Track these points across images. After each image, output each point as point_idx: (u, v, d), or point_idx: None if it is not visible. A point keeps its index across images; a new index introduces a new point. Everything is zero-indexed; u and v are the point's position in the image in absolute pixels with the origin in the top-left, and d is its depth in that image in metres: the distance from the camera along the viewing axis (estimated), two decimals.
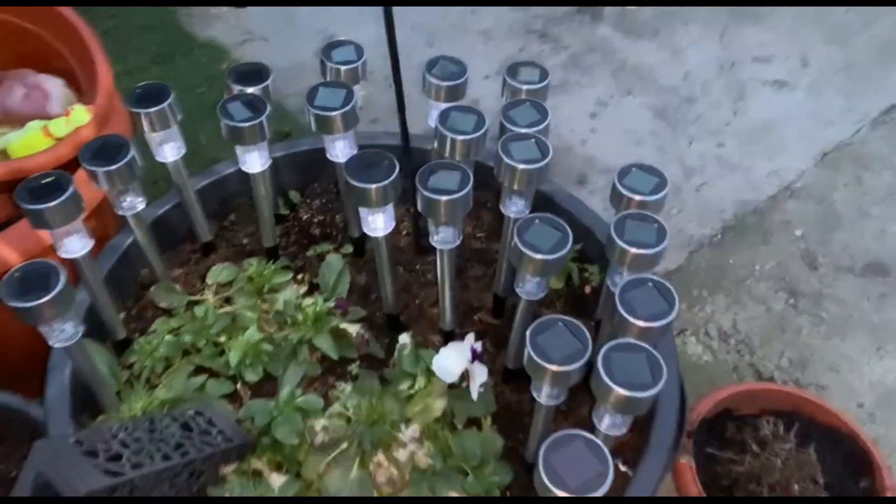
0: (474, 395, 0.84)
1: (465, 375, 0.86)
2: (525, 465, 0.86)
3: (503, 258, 0.91)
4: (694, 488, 0.93)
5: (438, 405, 0.82)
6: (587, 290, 0.99)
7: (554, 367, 0.64)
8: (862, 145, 1.65)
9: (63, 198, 0.74)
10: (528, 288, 0.77)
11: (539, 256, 0.71)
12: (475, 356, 0.85)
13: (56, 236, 0.78)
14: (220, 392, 0.88)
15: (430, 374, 0.86)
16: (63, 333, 0.75)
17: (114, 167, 0.80)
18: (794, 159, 1.62)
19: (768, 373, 1.28)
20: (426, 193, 0.73)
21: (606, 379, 0.62)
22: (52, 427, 0.81)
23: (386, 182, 0.75)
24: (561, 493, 0.56)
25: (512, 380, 0.92)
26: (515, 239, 0.72)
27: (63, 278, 0.71)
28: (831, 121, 1.70)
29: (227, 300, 0.96)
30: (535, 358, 0.64)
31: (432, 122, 0.87)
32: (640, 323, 0.67)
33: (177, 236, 1.04)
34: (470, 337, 0.86)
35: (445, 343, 0.90)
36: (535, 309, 0.81)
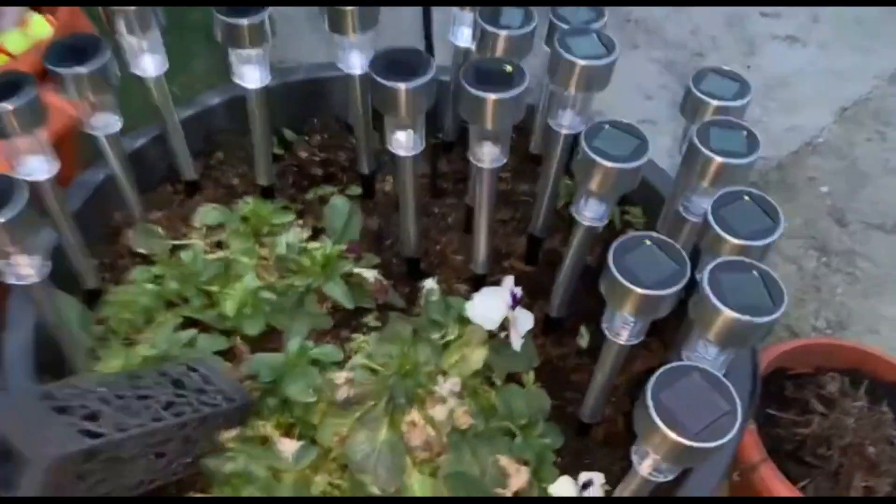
0: (516, 347, 0.72)
1: (502, 325, 0.73)
2: (575, 425, 0.74)
3: (544, 192, 0.78)
4: (756, 454, 0.82)
5: (478, 356, 0.70)
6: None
7: (643, 291, 0.52)
8: (881, 100, 1.56)
9: (22, 98, 0.60)
10: (590, 211, 0.64)
11: (613, 165, 0.58)
12: (516, 301, 0.73)
13: (14, 151, 0.63)
14: (213, 348, 0.74)
15: (461, 323, 0.73)
16: (24, 269, 0.60)
17: (86, 70, 0.65)
18: (813, 115, 1.53)
19: (805, 334, 1.18)
20: (472, 91, 0.60)
21: (715, 300, 0.50)
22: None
23: (420, 81, 0.62)
24: (681, 440, 0.44)
25: (553, 331, 0.80)
26: (583, 144, 0.59)
27: (26, 195, 0.57)
28: (847, 77, 1.61)
29: (218, 245, 0.82)
30: (620, 279, 0.52)
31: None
32: (740, 242, 0.56)
33: (155, 175, 0.89)
34: (509, 280, 0.73)
35: (474, 291, 0.77)
36: (592, 240, 0.69)
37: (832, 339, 1.04)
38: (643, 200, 0.88)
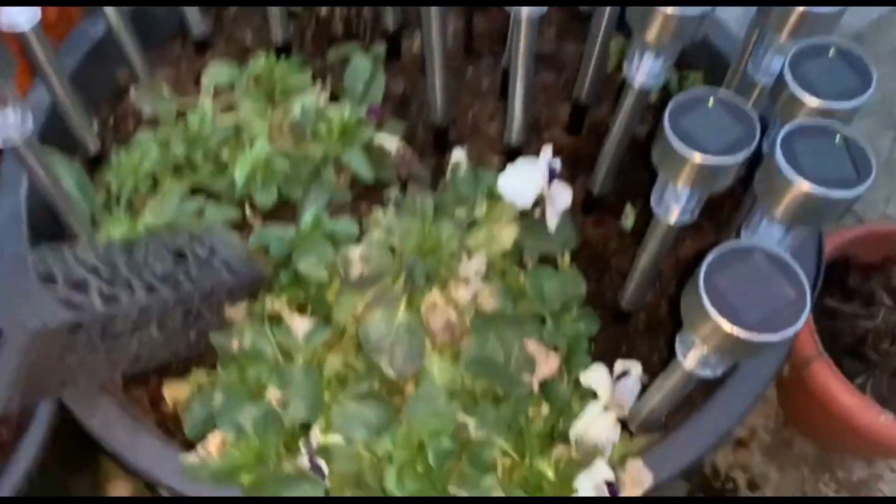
0: (552, 225, 0.65)
1: (538, 201, 0.66)
2: (613, 312, 0.67)
3: (591, 52, 0.69)
4: (812, 345, 0.75)
5: (507, 234, 0.63)
6: None
7: (702, 157, 0.44)
8: None
9: None
10: (644, 69, 0.55)
11: (674, 10, 0.49)
12: (553, 175, 0.65)
13: None
14: (223, 218, 0.69)
15: (491, 199, 0.66)
16: (5, 129, 0.54)
17: None
18: None
19: (871, 220, 1.08)
20: None
21: (788, 169, 0.41)
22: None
23: None
24: (737, 331, 0.37)
25: (594, 211, 0.73)
26: None
27: None
28: None
29: (229, 107, 0.75)
30: (676, 142, 0.44)
31: None
32: (823, 102, 0.47)
33: (163, 30, 0.82)
34: (547, 150, 0.65)
35: (508, 164, 0.69)
36: (643, 107, 0.60)
37: None
38: (705, 64, 0.78)
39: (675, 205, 0.50)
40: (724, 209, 0.72)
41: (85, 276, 0.51)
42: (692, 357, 0.44)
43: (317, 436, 0.56)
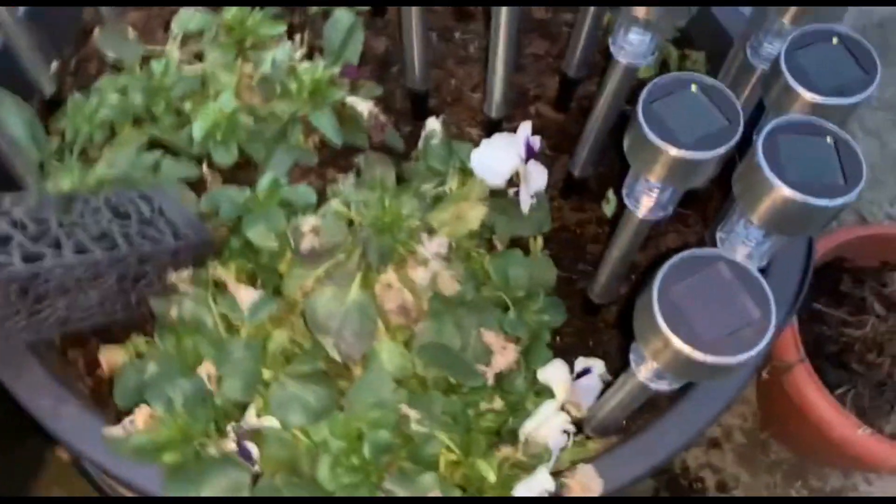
0: (524, 207, 0.61)
1: (513, 180, 0.62)
2: (583, 303, 0.64)
3: (584, 20, 0.64)
4: (794, 350, 0.72)
5: (475, 214, 0.59)
6: None
7: (675, 151, 0.40)
8: None
9: None
10: (630, 44, 0.50)
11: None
12: (531, 153, 0.61)
13: None
14: (180, 175, 0.65)
15: (465, 174, 0.62)
16: None
17: None
18: None
19: (874, 220, 1.04)
20: None
21: (767, 170, 0.37)
22: None
23: None
24: (688, 350, 0.34)
25: (573, 194, 0.68)
26: None
27: None
28: None
29: (198, 57, 0.71)
30: (648, 132, 0.40)
31: None
32: (817, 97, 0.42)
33: None
34: (525, 126, 0.61)
35: (488, 137, 0.64)
36: (630, 83, 0.55)
37: None
38: (710, 44, 0.73)
39: (646, 199, 0.45)
40: (712, 199, 0.68)
41: (8, 232, 0.47)
42: (645, 370, 0.40)
43: (252, 417, 0.53)
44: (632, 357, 0.41)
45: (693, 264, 0.35)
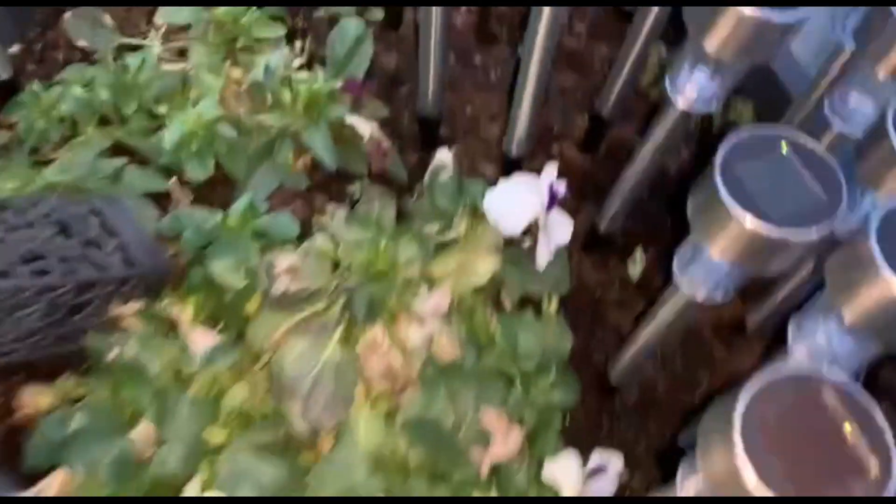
0: (542, 262, 0.52)
1: (531, 229, 0.53)
2: (601, 380, 0.55)
3: (627, 56, 0.55)
4: None
5: (486, 267, 0.50)
6: None
7: (763, 228, 0.31)
8: None
9: None
10: (693, 86, 0.42)
11: (754, 11, 0.35)
12: (554, 200, 0.52)
13: None
14: (144, 187, 0.56)
15: (476, 218, 0.53)
16: None
17: None
18: None
19: None
20: None
21: (887, 270, 0.28)
22: None
23: None
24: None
25: (598, 250, 0.60)
26: None
27: None
28: None
29: (181, 53, 0.62)
30: (727, 198, 0.31)
31: None
32: None
33: None
34: (551, 169, 0.52)
35: (505, 176, 0.55)
36: (680, 134, 0.47)
37: None
38: (759, 93, 0.65)
39: (704, 278, 0.36)
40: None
41: None
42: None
43: (193, 491, 0.43)
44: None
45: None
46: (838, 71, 0.47)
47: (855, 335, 0.33)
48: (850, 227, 0.39)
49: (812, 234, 0.31)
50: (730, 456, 0.26)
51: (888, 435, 0.26)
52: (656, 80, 0.66)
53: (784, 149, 0.32)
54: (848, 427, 0.26)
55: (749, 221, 0.31)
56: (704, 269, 0.36)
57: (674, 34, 0.42)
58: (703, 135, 0.63)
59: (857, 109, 0.42)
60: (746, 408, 0.25)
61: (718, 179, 0.31)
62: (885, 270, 0.28)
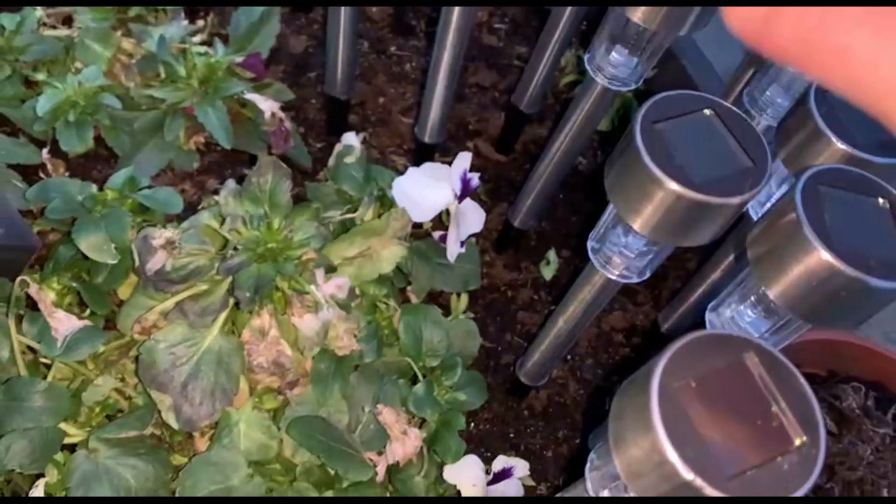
0: (451, 255, 0.49)
1: (441, 219, 0.50)
2: (509, 382, 0.51)
3: (545, 47, 0.53)
4: None
5: (390, 254, 0.46)
6: None
7: (681, 189, 0.28)
8: None
9: None
10: (614, 62, 0.40)
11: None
12: (467, 190, 0.49)
13: None
14: (12, 158, 0.50)
15: (384, 205, 0.50)
16: None
17: None
18: None
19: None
20: None
21: (809, 235, 0.26)
22: None
23: None
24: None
25: (511, 248, 0.57)
26: None
27: None
28: None
29: (69, 20, 0.57)
30: (648, 162, 0.28)
31: None
32: (854, 151, 0.32)
33: None
34: (464, 157, 0.49)
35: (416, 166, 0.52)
36: (597, 119, 0.45)
37: (864, 339, 0.82)
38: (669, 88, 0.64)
39: (620, 253, 0.34)
40: (667, 278, 0.58)
41: None
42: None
43: (39, 492, 0.37)
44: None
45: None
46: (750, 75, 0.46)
47: (775, 315, 0.31)
48: (765, 204, 0.37)
49: (737, 200, 0.29)
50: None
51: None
52: (572, 84, 0.65)
53: (706, 112, 0.30)
54: (771, 392, 0.23)
55: (673, 186, 0.29)
56: (621, 243, 0.33)
57: (591, 35, 0.40)
58: (616, 137, 0.62)
59: (777, 97, 0.41)
60: (663, 373, 0.23)
61: (639, 139, 0.28)
62: (813, 239, 0.26)
